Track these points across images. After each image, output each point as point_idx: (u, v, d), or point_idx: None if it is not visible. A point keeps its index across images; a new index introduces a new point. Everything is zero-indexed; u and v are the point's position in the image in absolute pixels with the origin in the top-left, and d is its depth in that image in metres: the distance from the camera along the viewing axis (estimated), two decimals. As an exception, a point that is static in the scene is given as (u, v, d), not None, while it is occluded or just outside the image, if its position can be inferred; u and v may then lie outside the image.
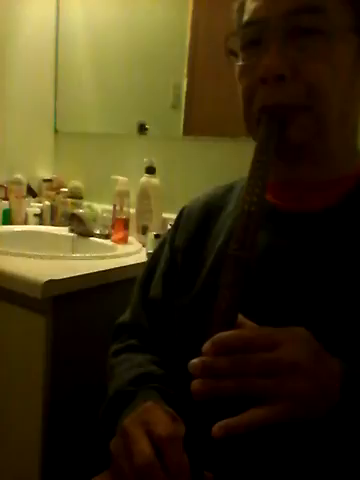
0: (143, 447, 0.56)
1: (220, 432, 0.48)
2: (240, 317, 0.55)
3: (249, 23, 0.65)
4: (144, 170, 1.63)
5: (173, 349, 0.76)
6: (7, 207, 1.79)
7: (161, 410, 0.61)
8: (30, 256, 1.30)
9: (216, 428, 0.49)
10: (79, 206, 1.78)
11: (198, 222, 0.80)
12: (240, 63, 0.67)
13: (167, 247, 0.83)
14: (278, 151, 0.63)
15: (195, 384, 0.51)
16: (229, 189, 0.81)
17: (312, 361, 0.51)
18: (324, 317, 0.62)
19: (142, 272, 0.88)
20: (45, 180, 1.95)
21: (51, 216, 1.85)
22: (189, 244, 0.79)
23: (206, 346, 0.51)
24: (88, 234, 1.64)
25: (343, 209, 0.67)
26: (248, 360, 0.50)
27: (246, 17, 0.66)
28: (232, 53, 0.69)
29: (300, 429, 0.55)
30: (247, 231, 0.56)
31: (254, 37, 0.65)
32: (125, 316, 0.87)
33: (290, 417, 0.50)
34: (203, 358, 0.51)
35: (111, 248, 1.52)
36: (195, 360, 0.51)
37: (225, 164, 1.52)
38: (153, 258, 0.87)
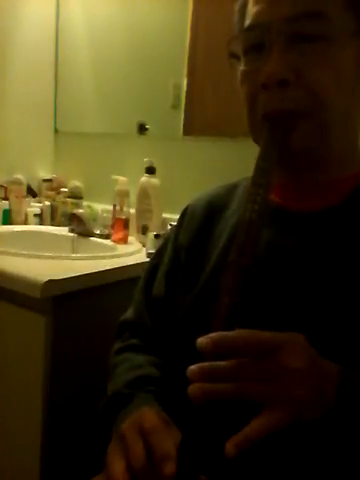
0: (139, 450, 0.57)
1: (234, 451, 0.48)
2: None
3: (251, 27, 0.65)
4: (144, 170, 1.63)
5: (176, 348, 0.76)
6: (7, 207, 1.79)
7: (156, 414, 0.62)
8: (30, 256, 1.30)
9: (229, 448, 0.48)
10: (79, 206, 1.78)
11: (201, 221, 0.80)
12: (242, 68, 0.67)
13: (170, 245, 0.84)
14: (281, 159, 0.63)
15: (192, 388, 0.50)
16: (232, 188, 0.81)
17: (310, 366, 0.51)
18: (326, 317, 0.62)
19: (145, 270, 0.88)
20: (45, 180, 1.95)
21: (51, 216, 1.85)
22: (192, 243, 0.79)
23: (203, 340, 0.50)
24: (88, 234, 1.64)
25: (344, 209, 0.67)
26: (246, 365, 0.50)
27: (248, 21, 0.65)
28: (234, 56, 0.68)
29: (297, 433, 0.55)
30: (248, 238, 0.57)
31: (256, 41, 0.64)
32: (128, 314, 0.87)
33: (289, 422, 0.50)
34: (201, 364, 0.51)
35: (111, 248, 1.52)
36: (193, 366, 0.51)
37: (225, 164, 1.52)
38: (156, 257, 0.88)
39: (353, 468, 0.57)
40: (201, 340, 0.51)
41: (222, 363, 0.50)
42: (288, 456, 0.60)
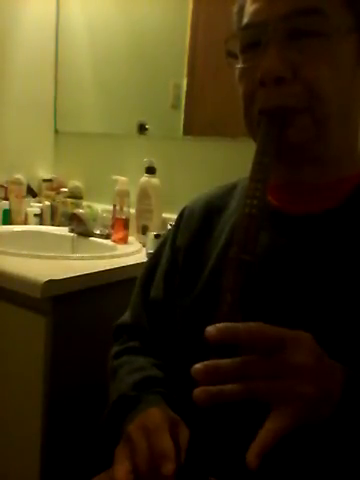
0: (144, 452, 0.57)
1: (256, 461, 0.47)
2: None
3: (248, 25, 0.65)
4: (144, 170, 1.63)
5: (174, 350, 0.76)
6: (7, 207, 1.79)
7: (161, 414, 0.62)
8: (30, 256, 1.30)
9: (251, 460, 0.47)
10: (79, 206, 1.78)
11: (200, 222, 0.79)
12: (240, 66, 0.67)
13: (168, 247, 0.83)
14: (278, 153, 0.63)
15: (198, 392, 0.49)
16: (231, 188, 0.81)
17: (317, 365, 0.51)
18: (325, 318, 0.62)
19: (142, 272, 0.88)
20: (45, 180, 1.95)
21: (51, 216, 1.85)
22: (191, 244, 0.78)
23: (211, 329, 0.50)
24: (88, 234, 1.64)
25: (344, 211, 0.67)
26: (252, 362, 0.50)
27: (245, 20, 0.66)
28: (231, 55, 0.69)
29: (303, 434, 0.55)
30: (248, 234, 0.56)
31: (253, 40, 0.64)
32: (125, 317, 0.87)
33: (297, 422, 0.49)
34: (205, 362, 0.50)
35: (111, 248, 1.52)
36: (197, 364, 0.50)
37: (225, 164, 1.52)
38: (153, 258, 0.87)
39: (357, 469, 0.57)
40: (208, 329, 0.50)
41: (227, 361, 0.49)
42: (294, 456, 0.60)
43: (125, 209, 1.62)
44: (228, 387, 0.49)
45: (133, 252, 1.48)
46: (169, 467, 0.55)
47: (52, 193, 1.90)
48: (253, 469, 0.47)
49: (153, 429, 0.59)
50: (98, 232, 1.64)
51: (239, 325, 0.50)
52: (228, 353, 0.50)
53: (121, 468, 0.59)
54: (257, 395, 0.49)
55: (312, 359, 0.51)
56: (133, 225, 1.64)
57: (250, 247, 0.55)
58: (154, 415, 0.62)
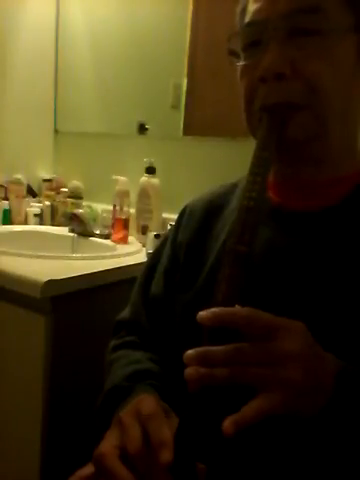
0: (135, 435, 0.57)
1: (232, 428, 0.48)
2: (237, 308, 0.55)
3: (250, 24, 0.66)
4: (144, 170, 1.63)
5: (173, 346, 0.76)
6: (7, 207, 1.79)
7: (155, 402, 0.62)
8: (30, 256, 1.31)
9: (227, 426, 0.48)
10: (79, 206, 1.78)
11: (201, 220, 0.80)
12: (241, 63, 0.68)
13: (169, 245, 0.84)
14: (278, 149, 0.63)
15: (189, 370, 0.50)
16: (232, 187, 0.81)
17: (307, 353, 0.52)
18: (323, 314, 0.62)
19: (142, 270, 0.88)
20: (45, 180, 1.95)
21: (51, 216, 1.85)
22: (192, 241, 0.79)
23: (204, 314, 0.51)
24: (88, 234, 1.64)
25: (344, 208, 0.67)
26: (243, 348, 0.50)
27: (247, 19, 0.67)
28: (233, 53, 0.69)
29: (294, 423, 0.55)
30: (245, 226, 0.57)
31: (255, 38, 0.65)
32: (125, 313, 0.87)
33: (284, 408, 0.50)
34: (197, 348, 0.51)
35: (111, 248, 1.52)
36: (189, 351, 0.51)
37: (225, 164, 1.52)
38: (154, 256, 0.88)
39: (351, 462, 0.57)
40: (201, 313, 0.51)
41: (218, 347, 0.51)
42: (286, 445, 0.61)
43: (125, 209, 1.62)
44: (218, 370, 0.50)
45: (133, 252, 1.48)
46: (166, 455, 0.55)
47: (52, 193, 1.90)
48: (229, 436, 0.48)
49: (148, 416, 0.59)
50: (98, 232, 1.65)
51: (233, 309, 0.51)
52: (220, 341, 0.51)
53: (107, 444, 0.59)
54: (246, 380, 0.50)
55: (302, 347, 0.51)
56: (133, 225, 1.64)
57: (246, 238, 0.56)
58: (148, 402, 0.62)
